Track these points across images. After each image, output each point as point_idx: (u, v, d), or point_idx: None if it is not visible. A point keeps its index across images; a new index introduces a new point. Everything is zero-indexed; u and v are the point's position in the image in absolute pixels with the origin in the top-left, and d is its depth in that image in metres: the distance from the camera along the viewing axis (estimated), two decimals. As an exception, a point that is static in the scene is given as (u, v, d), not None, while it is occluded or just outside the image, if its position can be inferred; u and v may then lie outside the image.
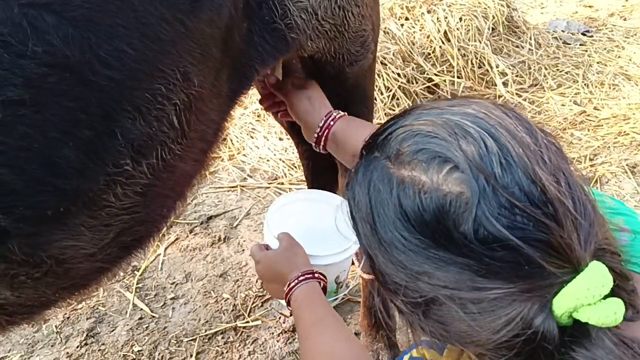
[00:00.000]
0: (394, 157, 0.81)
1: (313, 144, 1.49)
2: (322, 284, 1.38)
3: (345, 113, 1.48)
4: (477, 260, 0.74)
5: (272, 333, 2.26)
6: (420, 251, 0.77)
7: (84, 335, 2.27)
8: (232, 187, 3.06)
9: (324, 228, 1.87)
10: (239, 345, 2.23)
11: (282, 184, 3.06)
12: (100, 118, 0.88)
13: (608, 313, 0.73)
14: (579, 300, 0.73)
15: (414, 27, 3.78)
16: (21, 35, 0.80)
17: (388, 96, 3.43)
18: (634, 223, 0.94)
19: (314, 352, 1.18)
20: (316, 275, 1.37)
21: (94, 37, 0.86)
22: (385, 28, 3.68)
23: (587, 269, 0.74)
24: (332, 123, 1.43)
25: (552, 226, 0.73)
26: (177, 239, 2.73)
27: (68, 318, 2.33)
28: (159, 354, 2.20)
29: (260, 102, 1.66)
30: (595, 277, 0.74)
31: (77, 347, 2.22)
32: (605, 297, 0.74)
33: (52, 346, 2.23)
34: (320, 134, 1.44)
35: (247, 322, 2.31)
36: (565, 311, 0.74)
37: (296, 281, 1.33)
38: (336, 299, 1.94)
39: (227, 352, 2.21)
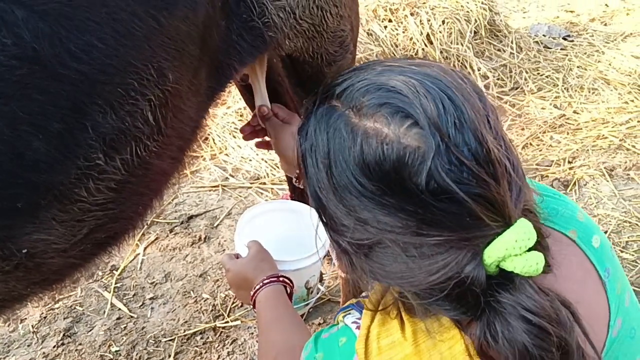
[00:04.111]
0: (357, 108, 0.84)
1: (293, 179, 1.55)
2: (287, 289, 1.42)
3: None
4: (424, 209, 0.80)
5: (252, 333, 2.26)
6: (374, 197, 0.82)
7: (61, 335, 2.24)
8: (214, 186, 3.05)
9: (293, 236, 1.92)
10: (218, 345, 2.22)
11: (264, 184, 3.06)
12: (71, 111, 0.88)
13: (531, 263, 0.81)
14: (507, 250, 0.80)
15: (397, 29, 3.80)
16: None
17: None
18: (541, 187, 1.04)
19: (272, 344, 1.23)
20: (281, 279, 1.40)
21: (64, 31, 0.86)
22: (368, 30, 3.70)
23: (516, 224, 0.82)
24: None
25: (492, 183, 0.80)
26: (156, 238, 2.71)
27: (45, 318, 2.31)
28: (137, 354, 2.19)
29: (241, 130, 1.71)
30: (522, 231, 0.81)
31: (54, 347, 2.20)
32: (529, 250, 0.82)
33: (28, 346, 2.20)
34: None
35: (227, 322, 2.30)
36: (495, 260, 0.81)
37: (261, 284, 1.38)
38: (308, 304, 1.97)
39: (205, 352, 2.20)
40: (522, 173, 0.87)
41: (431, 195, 0.79)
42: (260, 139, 1.69)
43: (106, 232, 1.04)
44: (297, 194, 2.29)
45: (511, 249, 0.80)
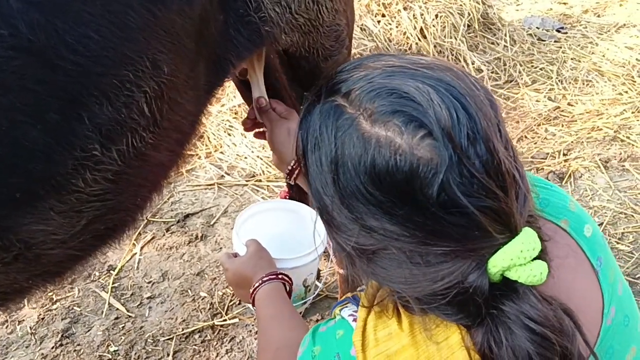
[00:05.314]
0: (367, 114, 0.82)
1: (284, 176, 1.53)
2: (286, 286, 1.42)
3: None
4: (433, 221, 0.79)
5: (250, 331, 2.25)
6: (382, 206, 0.81)
7: (59, 335, 2.24)
8: (210, 184, 3.05)
9: (291, 235, 1.92)
10: (217, 343, 2.21)
11: (260, 181, 3.05)
12: (67, 102, 0.88)
13: (535, 273, 0.81)
14: (512, 260, 0.80)
15: (390, 24, 3.81)
16: None
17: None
18: (532, 178, 1.01)
19: (271, 341, 1.23)
20: (279, 276, 1.40)
21: (60, 23, 0.86)
22: (361, 25, 3.70)
23: (522, 234, 0.82)
24: None
25: (501, 196, 0.79)
26: (153, 237, 2.70)
27: (43, 319, 2.30)
28: (136, 353, 2.18)
29: (243, 123, 1.70)
30: (528, 241, 0.81)
31: (52, 347, 2.19)
32: (534, 259, 0.82)
33: (26, 347, 2.19)
34: (293, 167, 1.49)
35: (225, 320, 2.30)
36: (499, 270, 0.81)
37: (260, 282, 1.38)
38: (305, 302, 1.97)
39: (204, 350, 2.19)
40: (527, 180, 0.86)
41: (441, 207, 0.78)
42: (260, 130, 1.67)
43: (105, 224, 1.05)
44: (295, 191, 2.28)
45: (516, 259, 0.80)
